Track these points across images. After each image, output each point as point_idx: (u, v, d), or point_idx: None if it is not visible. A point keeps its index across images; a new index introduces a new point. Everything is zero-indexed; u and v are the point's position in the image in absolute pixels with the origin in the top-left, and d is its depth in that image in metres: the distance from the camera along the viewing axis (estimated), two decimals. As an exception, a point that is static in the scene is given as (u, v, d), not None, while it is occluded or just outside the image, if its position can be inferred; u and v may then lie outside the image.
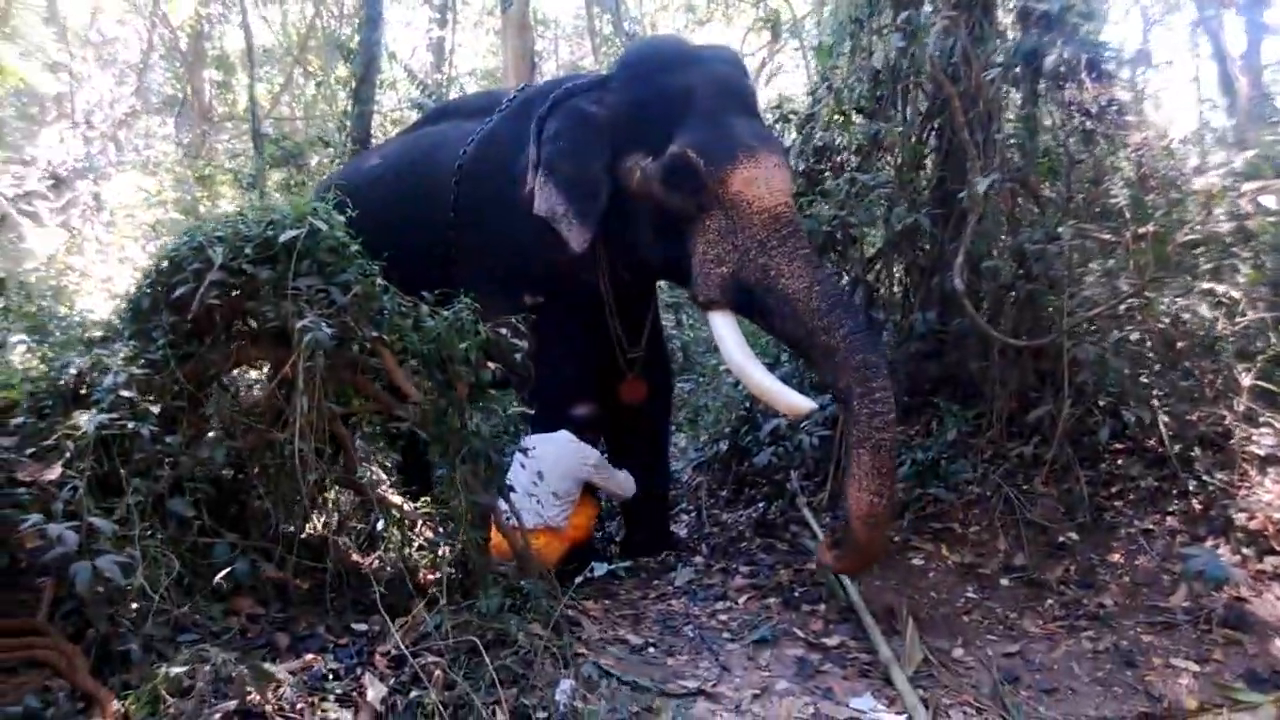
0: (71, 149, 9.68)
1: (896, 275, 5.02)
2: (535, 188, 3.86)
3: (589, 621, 3.35)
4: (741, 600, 3.68)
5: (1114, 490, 3.77)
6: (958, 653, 3.17)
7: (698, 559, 4.28)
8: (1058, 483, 3.85)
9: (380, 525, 3.32)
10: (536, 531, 3.69)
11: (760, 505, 4.72)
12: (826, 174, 5.03)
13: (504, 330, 3.13)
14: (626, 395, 4.37)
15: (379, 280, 2.91)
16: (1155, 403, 3.65)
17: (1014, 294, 4.03)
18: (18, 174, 9.12)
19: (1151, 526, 3.55)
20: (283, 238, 2.65)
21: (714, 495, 5.13)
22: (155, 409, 2.59)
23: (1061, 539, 3.65)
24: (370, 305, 2.83)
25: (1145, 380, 3.79)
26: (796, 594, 3.66)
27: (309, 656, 2.49)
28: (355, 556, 3.38)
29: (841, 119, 5.01)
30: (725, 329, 3.51)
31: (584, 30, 15.69)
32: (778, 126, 5.14)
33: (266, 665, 2.33)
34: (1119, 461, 3.85)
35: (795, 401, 3.26)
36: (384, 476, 3.60)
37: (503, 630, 2.65)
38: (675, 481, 5.42)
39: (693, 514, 5.05)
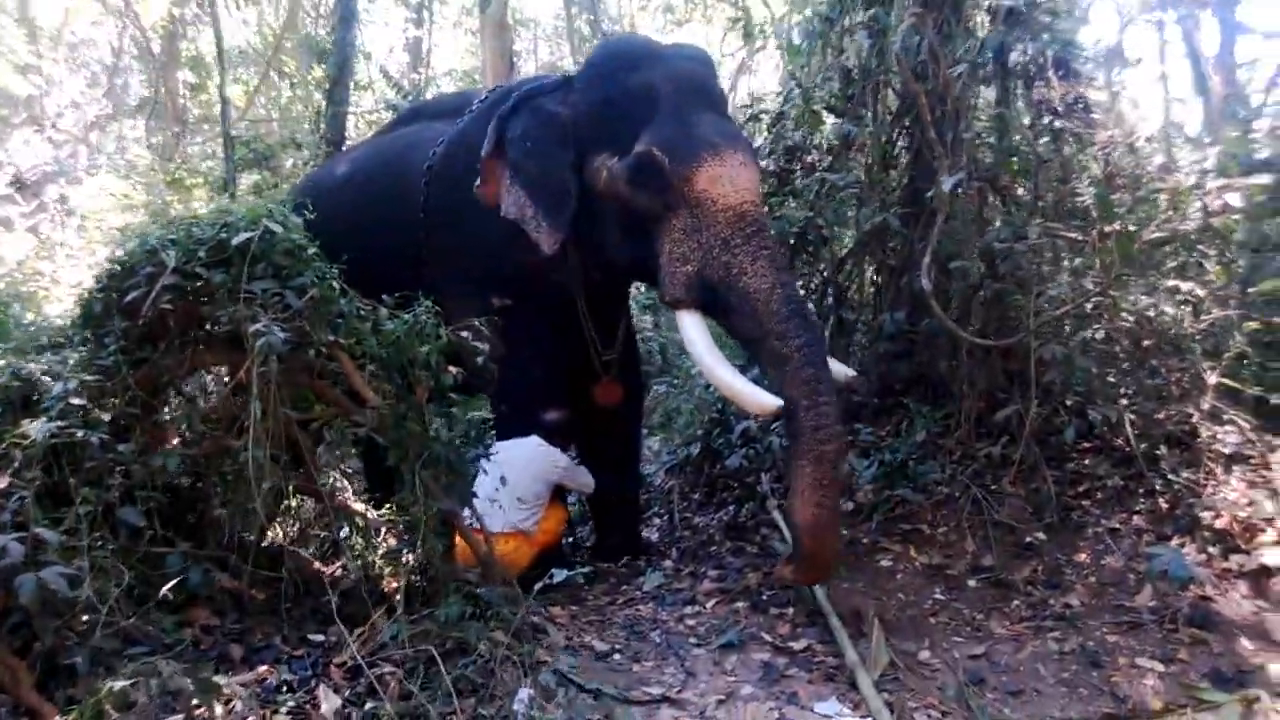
0: (40, 152, 9.57)
1: (868, 276, 5.01)
2: (502, 189, 3.83)
3: (554, 628, 3.31)
4: (709, 604, 3.65)
5: (1081, 490, 3.77)
6: (924, 655, 3.15)
7: (667, 563, 4.25)
8: (1025, 483, 3.85)
9: (343, 533, 3.28)
10: (505, 536, 3.66)
11: (731, 508, 4.70)
12: (797, 174, 5.03)
13: (466, 333, 3.08)
14: (601, 398, 4.35)
15: (336, 283, 2.88)
16: (1122, 402, 3.65)
17: (982, 294, 4.02)
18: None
19: (1118, 526, 3.55)
20: (236, 240, 2.61)
21: (686, 498, 5.11)
22: (106, 416, 2.55)
23: (1029, 539, 3.65)
24: (327, 308, 2.79)
25: (1112, 379, 3.79)
26: (764, 597, 3.64)
27: (262, 668, 2.45)
28: (317, 565, 3.35)
29: (811, 118, 5.00)
30: (693, 329, 3.49)
31: (563, 31, 15.65)
32: (748, 126, 5.13)
33: (217, 678, 2.30)
34: (1086, 461, 3.85)
35: (764, 401, 3.24)
36: (346, 484, 3.53)
37: (462, 639, 2.62)
38: (648, 485, 5.39)
39: (665, 518, 5.02)
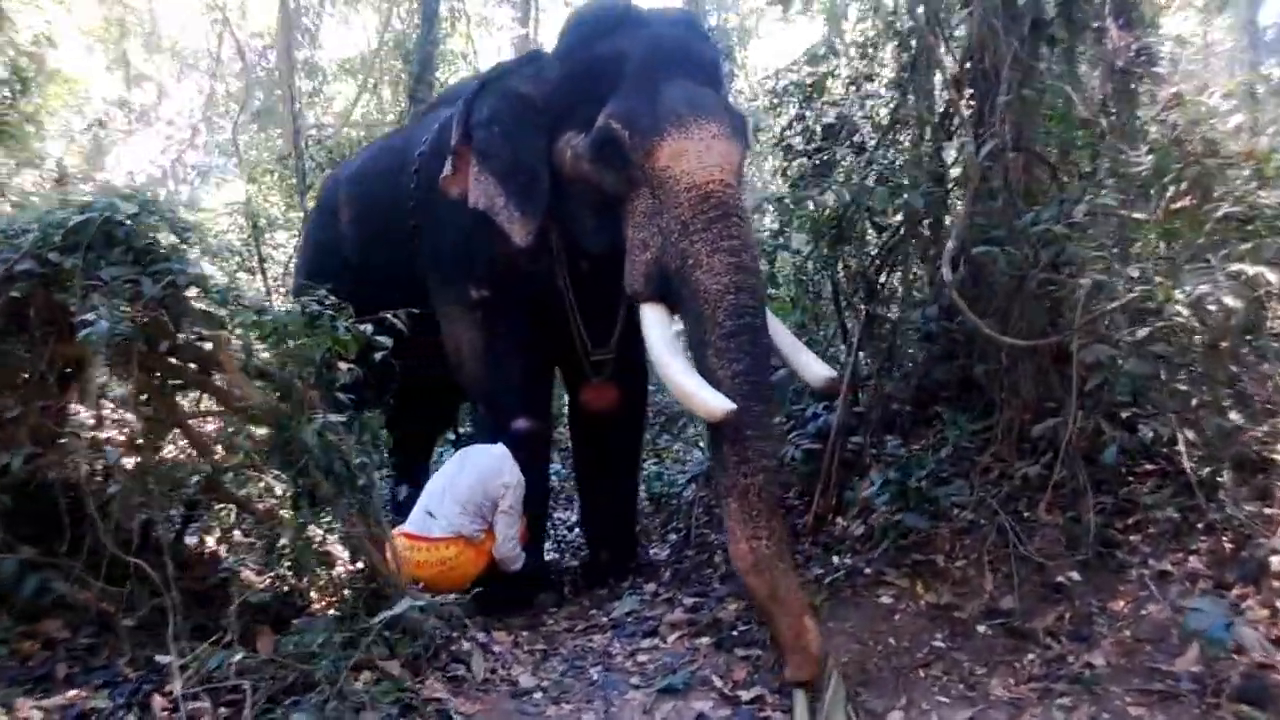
0: (158, 157, 10.03)
1: (913, 268, 4.40)
2: (470, 179, 3.52)
3: (481, 657, 2.96)
4: (671, 638, 3.21)
5: (1130, 522, 3.10)
6: (894, 716, 2.61)
7: (650, 586, 3.81)
8: (1064, 510, 3.20)
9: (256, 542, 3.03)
10: (446, 541, 3.35)
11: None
12: (838, 153, 4.48)
13: (368, 326, 2.77)
14: (591, 402, 3.97)
15: (219, 272, 2.62)
16: (1175, 415, 2.97)
17: (1027, 284, 3.39)
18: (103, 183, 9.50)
19: (1169, 569, 2.87)
20: (73, 221, 2.38)
21: (709, 512, 4.63)
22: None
23: (1059, 579, 3.01)
24: (183, 297, 2.52)
25: (1183, 387, 3.08)
26: (734, 633, 3.16)
27: (72, 693, 2.20)
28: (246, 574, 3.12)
29: (854, 90, 4.44)
30: (652, 323, 3.06)
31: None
32: (770, 101, 4.60)
33: (23, 699, 2.07)
34: (1137, 487, 3.16)
35: (711, 405, 2.76)
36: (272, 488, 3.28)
37: (309, 671, 2.30)
38: (673, 494, 4.95)
39: (680, 533, 4.56)
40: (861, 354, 4.11)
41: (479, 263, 3.76)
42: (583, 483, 4.25)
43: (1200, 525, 2.90)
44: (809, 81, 4.47)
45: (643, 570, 4.09)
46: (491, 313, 3.80)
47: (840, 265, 4.41)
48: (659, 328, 3.07)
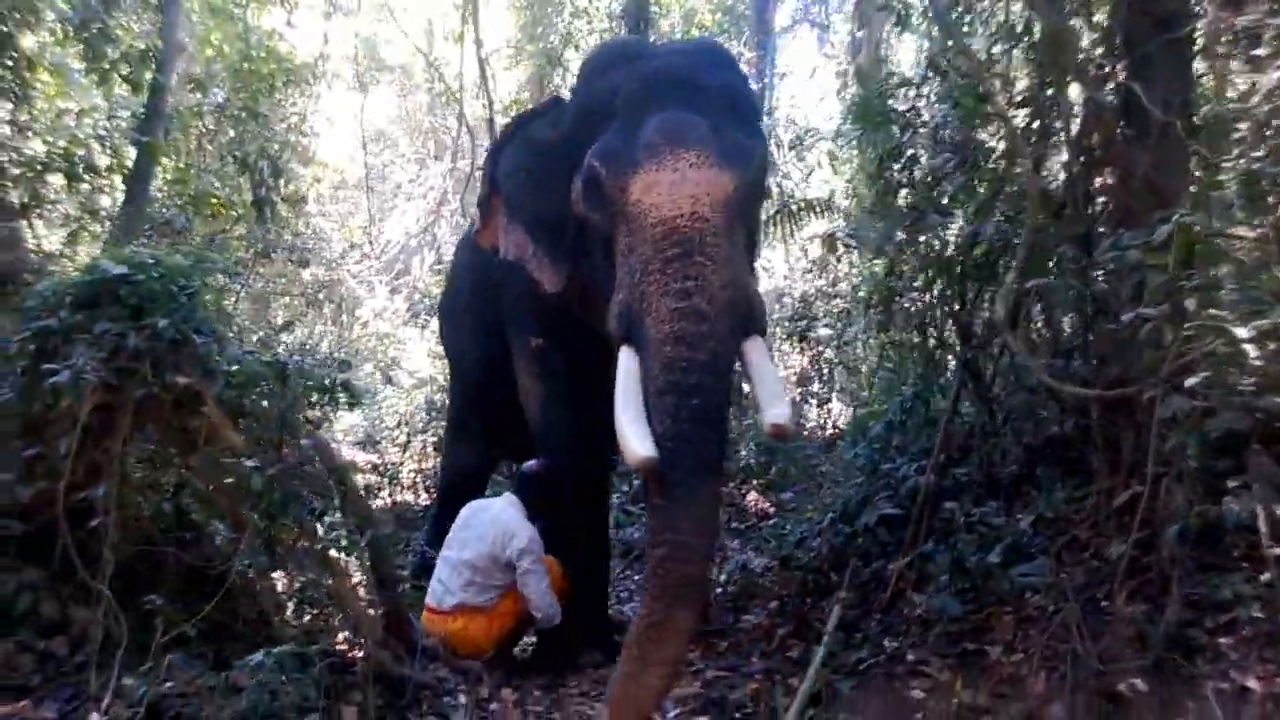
0: (409, 227, 11.09)
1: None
2: (500, 230, 3.54)
3: (464, 713, 2.89)
4: (672, 713, 2.94)
5: (1222, 621, 2.42)
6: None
7: (695, 653, 3.51)
8: (1151, 601, 2.58)
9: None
10: (450, 614, 3.32)
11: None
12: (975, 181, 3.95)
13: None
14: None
15: (201, 322, 2.80)
16: (1259, 485, 2.29)
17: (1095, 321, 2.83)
18: (358, 253, 10.72)
19: (1252, 685, 2.20)
20: (66, 285, 2.66)
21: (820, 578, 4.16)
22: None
23: (1121, 687, 2.41)
24: (180, 349, 2.72)
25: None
26: (736, 716, 2.84)
27: (22, 703, 2.40)
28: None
29: (971, 107, 3.93)
30: (620, 365, 2.76)
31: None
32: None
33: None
34: (1231, 576, 2.47)
35: (634, 448, 2.45)
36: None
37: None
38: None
39: (774, 603, 4.13)
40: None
41: (535, 312, 3.74)
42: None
43: (1301, 632, 2.21)
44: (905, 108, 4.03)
45: (711, 634, 3.79)
46: (547, 360, 3.77)
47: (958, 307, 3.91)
48: (623, 373, 2.75)
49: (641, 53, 3.25)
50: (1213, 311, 2.33)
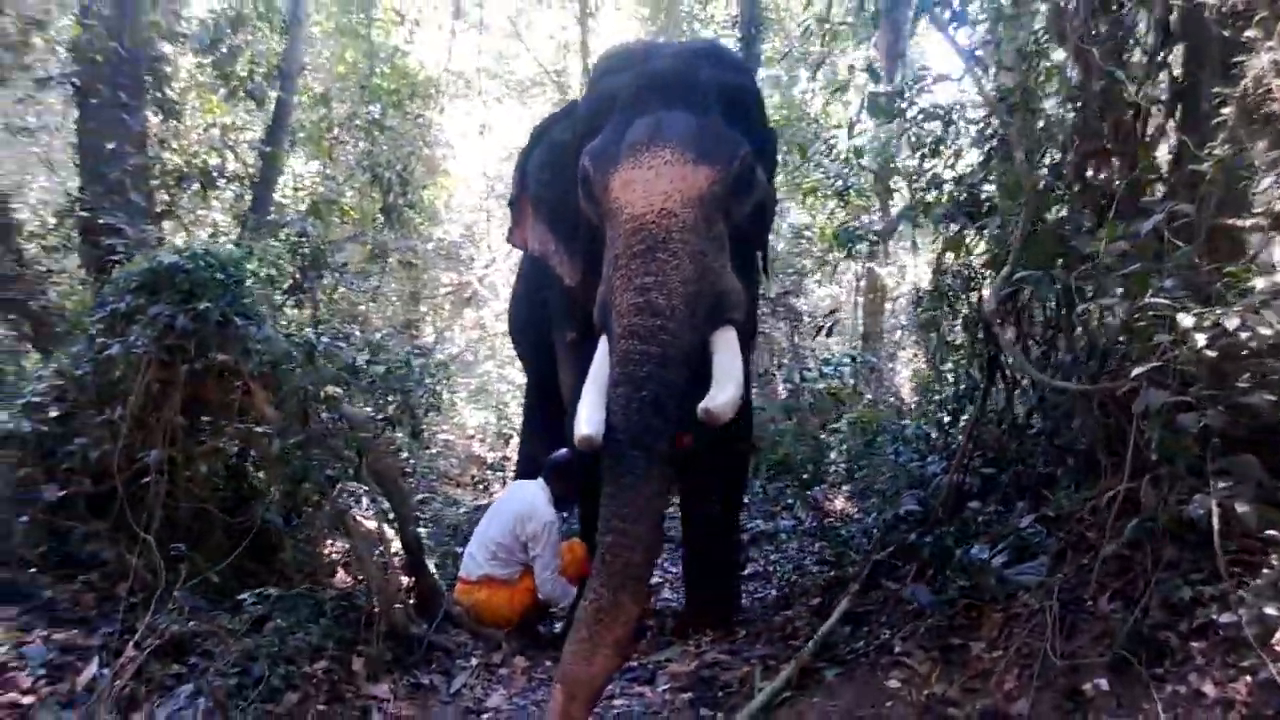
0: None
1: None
2: (528, 227, 3.75)
3: (467, 675, 3.09)
4: (661, 688, 3.05)
5: (1195, 625, 2.33)
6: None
7: (708, 638, 3.58)
8: (1135, 602, 2.50)
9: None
10: (476, 584, 3.54)
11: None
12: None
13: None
14: (681, 445, 3.89)
15: (245, 307, 3.13)
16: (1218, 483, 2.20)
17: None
18: (482, 258, 11.25)
19: (1210, 690, 2.13)
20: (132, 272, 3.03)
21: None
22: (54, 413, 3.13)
23: (1086, 686, 2.37)
24: (224, 330, 3.05)
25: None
26: (717, 694, 2.92)
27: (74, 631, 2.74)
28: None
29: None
30: (599, 353, 2.91)
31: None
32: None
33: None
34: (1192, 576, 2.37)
35: (579, 426, 2.62)
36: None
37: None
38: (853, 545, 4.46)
39: (817, 600, 4.11)
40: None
41: (569, 307, 3.92)
42: (684, 530, 4.15)
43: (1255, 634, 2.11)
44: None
45: (742, 620, 3.86)
46: (579, 354, 3.93)
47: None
48: (596, 360, 2.91)
49: (646, 55, 3.38)
50: (1157, 300, 2.26)
